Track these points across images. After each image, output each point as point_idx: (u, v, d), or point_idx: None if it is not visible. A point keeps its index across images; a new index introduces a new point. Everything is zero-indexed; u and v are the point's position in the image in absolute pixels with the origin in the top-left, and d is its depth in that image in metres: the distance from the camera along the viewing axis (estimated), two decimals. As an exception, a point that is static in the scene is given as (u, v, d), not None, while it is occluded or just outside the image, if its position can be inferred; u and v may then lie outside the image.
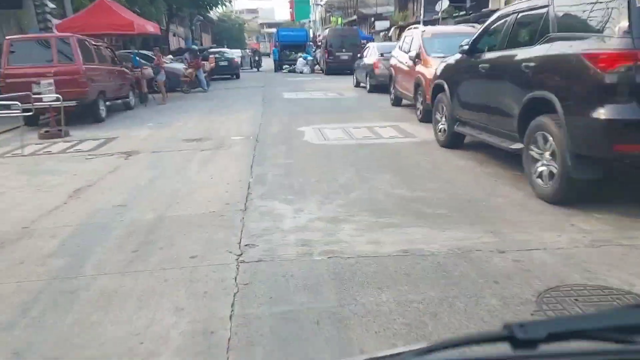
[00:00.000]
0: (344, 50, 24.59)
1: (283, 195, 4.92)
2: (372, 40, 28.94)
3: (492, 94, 5.43)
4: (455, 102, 6.46)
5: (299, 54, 30.19)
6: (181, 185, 5.41)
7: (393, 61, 11.86)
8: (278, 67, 29.78)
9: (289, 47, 30.91)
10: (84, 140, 8.73)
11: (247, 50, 53.02)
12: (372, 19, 34.84)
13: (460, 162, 6.05)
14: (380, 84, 14.33)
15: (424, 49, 9.61)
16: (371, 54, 15.51)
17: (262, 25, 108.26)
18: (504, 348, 0.64)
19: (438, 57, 9.28)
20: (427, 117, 9.12)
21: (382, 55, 14.53)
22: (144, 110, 12.90)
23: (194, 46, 17.91)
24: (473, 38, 6.14)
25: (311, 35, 36.46)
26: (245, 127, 9.44)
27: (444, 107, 6.84)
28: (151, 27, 15.40)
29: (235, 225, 4.09)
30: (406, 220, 4.08)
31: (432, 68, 9.05)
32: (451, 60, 6.78)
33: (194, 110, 12.71)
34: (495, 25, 5.84)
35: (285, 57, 29.79)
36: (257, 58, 33.15)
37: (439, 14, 23.65)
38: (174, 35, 34.42)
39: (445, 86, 6.71)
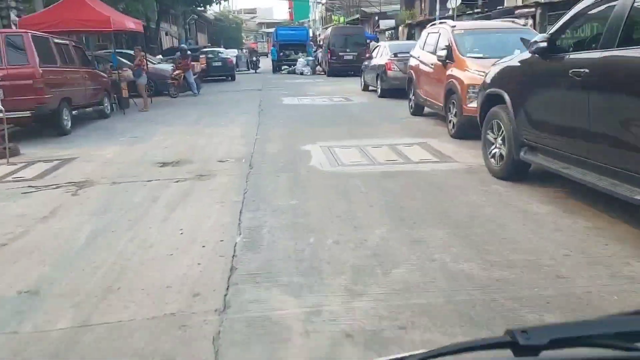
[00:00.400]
0: (348, 50, 22.81)
1: (286, 274, 3.13)
2: (377, 39, 27.22)
3: (598, 112, 3.64)
4: (523, 119, 4.68)
5: (299, 54, 28.43)
6: (132, 251, 3.61)
7: (413, 62, 10.08)
8: (276, 68, 27.95)
9: (288, 46, 29.12)
10: (34, 162, 6.93)
11: (244, 50, 51.28)
12: (376, 17, 33.08)
13: (542, 208, 4.25)
14: (394, 88, 12.55)
15: (457, 48, 7.82)
16: (382, 54, 13.73)
17: (260, 24, 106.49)
18: (506, 354, 0.65)
19: (476, 58, 7.53)
20: (461, 133, 7.39)
21: (395, 55, 12.75)
22: (120, 120, 11.10)
23: (183, 45, 16.13)
24: (553, 31, 4.35)
25: (311, 34, 34.57)
26: (236, 145, 7.64)
27: (502, 126, 5.05)
28: (132, 24, 13.59)
29: (202, 360, 2.30)
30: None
31: (469, 71, 7.33)
32: (514, 62, 4.99)
33: (179, 119, 10.92)
34: (591, 12, 4.06)
35: (285, 57, 27.97)
36: (254, 58, 31.35)
37: (451, 11, 21.90)
38: (166, 34, 32.63)
39: (506, 97, 4.92)
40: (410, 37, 23.48)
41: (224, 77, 22.45)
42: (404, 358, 0.69)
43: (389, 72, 12.73)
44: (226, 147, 7.51)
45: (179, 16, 36.42)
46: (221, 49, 23.53)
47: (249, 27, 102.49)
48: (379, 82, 13.56)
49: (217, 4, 23.95)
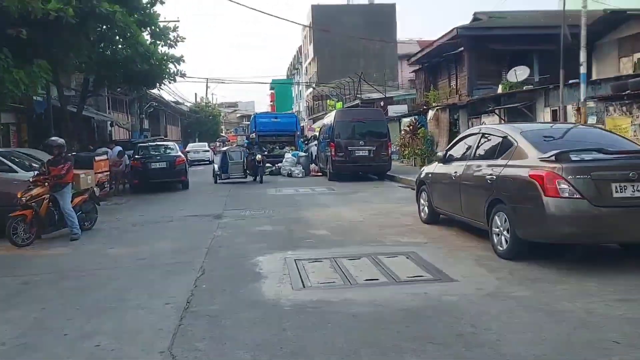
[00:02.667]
0: (361, 143, 15.11)
1: None
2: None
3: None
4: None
5: (286, 149, 20.77)
6: None
7: None
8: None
9: (271, 139, 21.61)
10: None
11: (217, 143, 43.73)
12: (382, 103, 26.10)
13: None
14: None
15: None
16: (504, 151, 5.73)
17: (241, 117, 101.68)
18: None
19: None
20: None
21: (564, 158, 4.79)
22: None
23: (52, 139, 7.99)
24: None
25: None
26: None
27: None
28: None
29: None
30: None
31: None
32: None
33: None
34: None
35: (266, 152, 20.32)
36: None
37: (500, 88, 14.73)
38: (112, 124, 24.99)
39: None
40: (454, 123, 16.09)
41: (173, 184, 14.40)
42: None
43: (556, 203, 4.66)
44: None
45: (134, 102, 29.20)
46: (171, 144, 15.70)
47: (229, 120, 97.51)
48: (518, 226, 5.32)
49: (169, 80, 15.95)
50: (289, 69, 71.18)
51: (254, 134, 22.04)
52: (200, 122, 57.63)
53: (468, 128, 15.98)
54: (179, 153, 14.88)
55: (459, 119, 16.01)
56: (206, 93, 66.81)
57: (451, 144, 7.27)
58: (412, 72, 22.59)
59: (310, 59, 50.65)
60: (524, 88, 12.80)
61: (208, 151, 33.94)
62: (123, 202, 12.32)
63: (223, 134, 72.33)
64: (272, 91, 79.01)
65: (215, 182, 15.59)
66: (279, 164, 18.73)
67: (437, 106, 17.13)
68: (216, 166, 15.95)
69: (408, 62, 23.37)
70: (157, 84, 17.35)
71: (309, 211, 9.49)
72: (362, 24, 44.75)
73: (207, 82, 63.86)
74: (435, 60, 19.89)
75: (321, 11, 45.97)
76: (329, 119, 16.96)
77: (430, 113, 17.49)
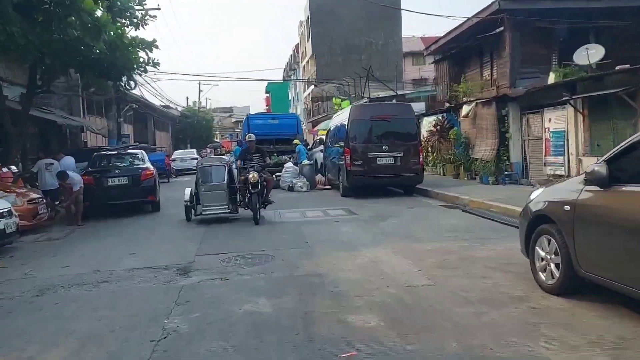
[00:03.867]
0: (385, 147, 11.63)
1: None
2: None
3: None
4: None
5: (285, 157, 17.35)
6: None
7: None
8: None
9: (268, 144, 18.16)
10: None
11: (207, 150, 40.05)
12: (393, 101, 22.62)
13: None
14: None
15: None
16: None
17: (237, 122, 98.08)
18: None
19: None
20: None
21: None
22: None
23: None
24: None
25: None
26: None
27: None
28: None
29: None
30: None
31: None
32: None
33: None
34: None
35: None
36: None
37: (551, 76, 11.31)
38: (84, 130, 21.46)
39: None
40: (502, 119, 12.59)
41: (139, 204, 10.90)
42: None
43: None
44: None
45: (111, 105, 25.65)
46: (138, 152, 12.17)
47: (224, 125, 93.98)
48: None
49: (139, 70, 12.44)
50: (285, 70, 67.60)
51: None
52: (193, 127, 54.21)
53: (521, 126, 12.56)
54: (147, 164, 11.28)
55: (508, 115, 12.53)
56: (199, 96, 63.11)
57: (614, 151, 3.78)
58: (432, 62, 19.21)
59: (308, 57, 47.17)
60: (616, 69, 9.31)
61: (196, 158, 30.55)
62: (62, 236, 8.78)
63: (217, 140, 68.66)
64: (268, 95, 75.64)
65: (188, 219, 9.38)
66: (278, 174, 15.27)
67: (478, 100, 13.61)
68: (188, 192, 9.39)
69: (426, 52, 19.89)
70: (126, 78, 13.76)
71: (328, 258, 5.99)
72: (363, 17, 41.34)
73: (199, 85, 60.54)
74: (465, 46, 16.42)
75: (319, 3, 42.50)
76: (341, 117, 13.45)
77: (465, 109, 13.99)
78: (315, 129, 27.16)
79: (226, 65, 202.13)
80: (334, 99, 25.77)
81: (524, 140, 12.41)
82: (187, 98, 72.62)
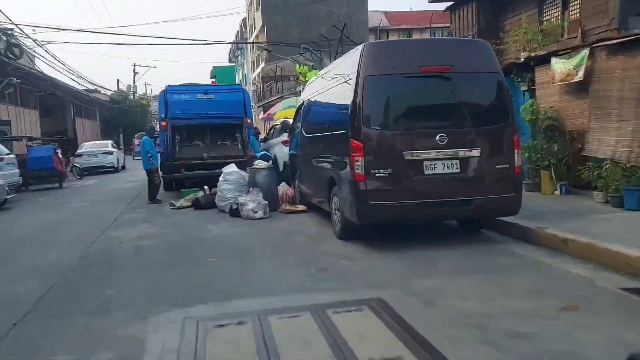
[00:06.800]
0: (442, 136, 5.13)
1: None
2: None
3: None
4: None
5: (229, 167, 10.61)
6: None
7: None
8: (154, 195, 9.98)
9: (195, 132, 11.59)
10: None
11: (135, 140, 32.50)
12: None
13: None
14: None
15: None
16: None
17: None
18: None
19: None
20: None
21: None
22: None
23: None
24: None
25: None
26: None
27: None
28: None
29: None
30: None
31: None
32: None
33: None
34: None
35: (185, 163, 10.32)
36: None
37: None
38: None
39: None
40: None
41: None
42: None
43: None
44: None
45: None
46: None
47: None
48: None
49: None
50: (232, 50, 59.75)
51: (164, 123, 11.56)
52: (125, 113, 46.34)
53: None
54: None
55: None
56: (134, 79, 54.55)
57: None
58: (445, 10, 12.92)
59: (257, 30, 40.00)
60: None
61: (112, 153, 22.99)
62: None
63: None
64: (214, 80, 68.21)
65: None
66: (211, 188, 8.54)
67: (599, 44, 7.00)
68: None
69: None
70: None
71: None
72: (325, -18, 34.64)
73: (134, 67, 52.14)
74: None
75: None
76: (332, 76, 6.69)
77: (563, 65, 7.49)
78: (270, 112, 20.27)
79: (167, 49, 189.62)
80: (297, 66, 18.84)
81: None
82: (118, 80, 63.42)
